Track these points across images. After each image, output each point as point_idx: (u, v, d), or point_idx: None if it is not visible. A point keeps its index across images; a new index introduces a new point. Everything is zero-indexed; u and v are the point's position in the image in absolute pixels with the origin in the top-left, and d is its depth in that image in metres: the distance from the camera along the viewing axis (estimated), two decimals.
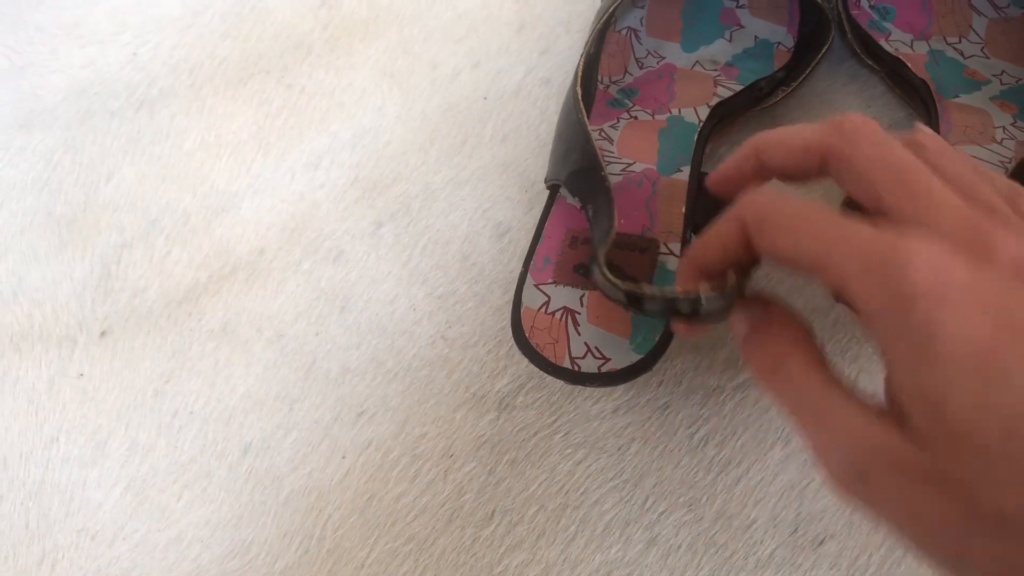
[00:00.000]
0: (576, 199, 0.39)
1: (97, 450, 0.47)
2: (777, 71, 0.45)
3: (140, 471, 0.47)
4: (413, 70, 0.52)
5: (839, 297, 0.27)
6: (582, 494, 0.43)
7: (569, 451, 0.44)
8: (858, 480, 0.24)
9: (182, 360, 0.48)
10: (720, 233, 0.29)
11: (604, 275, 0.32)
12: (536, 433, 0.45)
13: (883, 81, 0.47)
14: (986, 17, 0.45)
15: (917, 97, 0.44)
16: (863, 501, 0.25)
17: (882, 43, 0.45)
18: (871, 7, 0.47)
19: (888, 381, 0.25)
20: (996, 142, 0.42)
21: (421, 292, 0.48)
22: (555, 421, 0.45)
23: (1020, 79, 0.43)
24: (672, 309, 0.30)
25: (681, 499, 0.43)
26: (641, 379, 0.44)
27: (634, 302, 0.32)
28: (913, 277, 0.22)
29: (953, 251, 0.23)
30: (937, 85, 0.44)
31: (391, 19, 0.54)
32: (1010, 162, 0.40)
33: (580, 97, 0.40)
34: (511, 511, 0.44)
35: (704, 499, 0.43)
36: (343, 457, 0.46)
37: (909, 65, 0.44)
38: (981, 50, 0.45)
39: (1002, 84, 0.43)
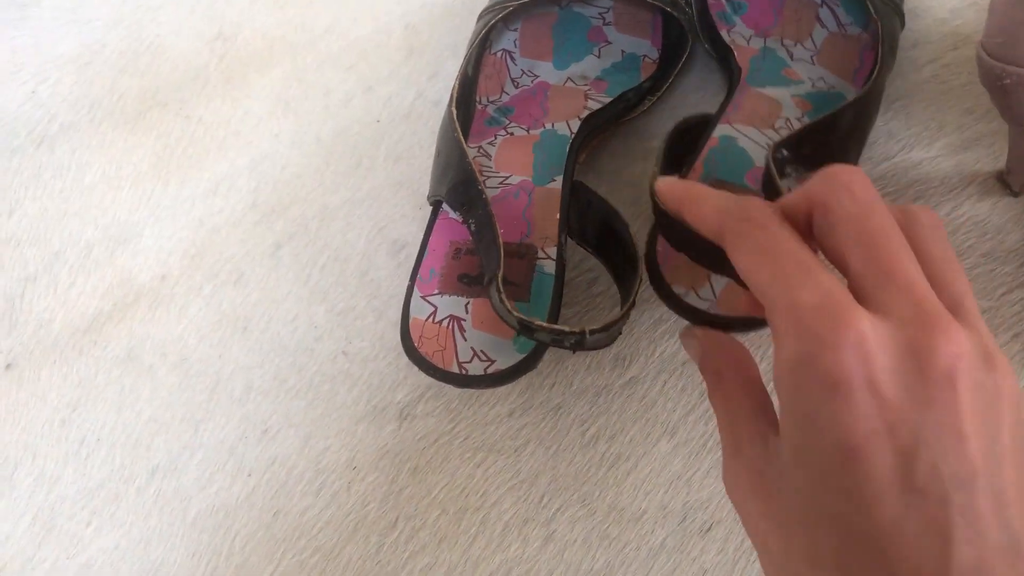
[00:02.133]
0: (458, 213, 0.41)
1: (3, 482, 0.48)
2: (644, 82, 0.48)
3: (48, 500, 0.47)
4: (307, 97, 0.54)
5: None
6: (481, 496, 0.45)
7: (468, 455, 0.46)
8: (735, 493, 0.28)
9: (88, 388, 0.49)
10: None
11: (502, 302, 0.35)
12: (436, 440, 0.46)
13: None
14: (827, 30, 0.48)
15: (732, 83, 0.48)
16: (735, 505, 0.28)
17: (722, 32, 0.49)
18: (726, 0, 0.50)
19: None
20: (773, 129, 0.45)
21: (321, 310, 0.49)
22: (454, 427, 0.46)
23: (832, 87, 0.47)
24: (558, 341, 0.33)
25: (575, 495, 0.45)
26: (535, 382, 0.46)
27: (525, 330, 0.35)
28: (835, 365, 0.23)
29: (888, 350, 0.23)
30: (750, 74, 0.47)
31: (285, 49, 0.55)
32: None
33: (455, 117, 0.42)
34: (414, 517, 0.45)
35: (597, 494, 0.44)
36: (248, 475, 0.47)
37: (736, 54, 0.48)
38: (811, 57, 0.48)
39: (812, 87, 0.47)
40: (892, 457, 0.23)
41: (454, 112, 0.42)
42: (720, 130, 0.45)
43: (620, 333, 0.36)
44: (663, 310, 0.46)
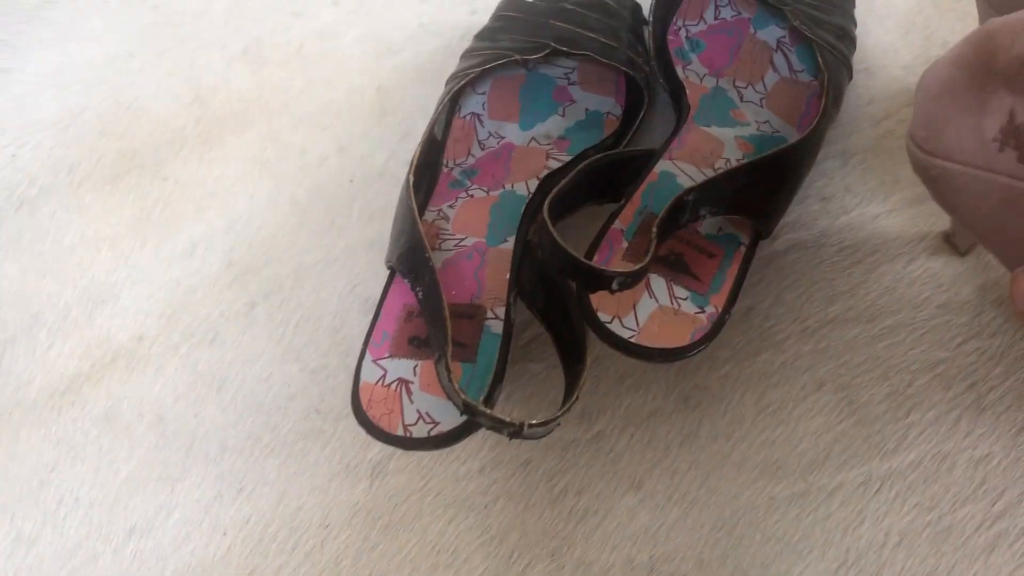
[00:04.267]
0: (407, 280, 0.42)
1: None
2: (606, 138, 0.49)
3: (26, 561, 0.48)
4: (282, 158, 0.55)
5: None
6: (452, 553, 0.46)
7: (439, 512, 0.46)
8: None
9: (66, 449, 0.50)
10: None
11: (449, 381, 0.37)
12: (408, 497, 0.47)
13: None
14: (779, 75, 0.50)
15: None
16: None
17: (678, 68, 0.51)
18: (686, 37, 0.51)
19: None
20: (712, 168, 0.47)
21: (294, 368, 0.50)
22: (425, 484, 0.47)
23: (776, 131, 0.48)
24: (496, 429, 0.36)
25: (544, 550, 0.45)
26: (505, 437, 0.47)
27: (468, 412, 0.37)
28: None
29: None
30: (699, 112, 0.49)
31: (260, 111, 0.57)
32: None
33: (411, 184, 0.43)
34: (386, 575, 0.46)
35: (565, 549, 0.45)
36: (224, 534, 0.47)
37: (687, 91, 0.49)
38: (760, 100, 0.50)
39: (757, 130, 0.48)
40: None
41: (411, 179, 0.43)
42: (661, 165, 0.47)
43: (560, 424, 0.38)
44: (628, 363, 0.47)
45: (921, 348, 0.46)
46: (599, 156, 0.44)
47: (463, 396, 0.36)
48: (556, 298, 0.43)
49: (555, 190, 0.40)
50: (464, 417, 0.38)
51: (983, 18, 0.44)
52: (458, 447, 0.47)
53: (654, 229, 0.39)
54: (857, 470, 0.44)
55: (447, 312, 0.39)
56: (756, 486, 0.45)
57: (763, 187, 0.43)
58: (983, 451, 0.44)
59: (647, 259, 0.37)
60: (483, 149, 0.50)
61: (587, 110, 0.51)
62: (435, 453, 0.47)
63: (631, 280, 0.36)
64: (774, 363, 0.47)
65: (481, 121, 0.51)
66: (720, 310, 0.42)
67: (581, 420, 0.47)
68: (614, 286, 0.36)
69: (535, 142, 0.50)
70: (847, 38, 0.50)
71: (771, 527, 0.44)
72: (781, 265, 0.48)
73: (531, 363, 0.48)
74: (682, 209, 0.40)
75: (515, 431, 0.36)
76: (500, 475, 0.47)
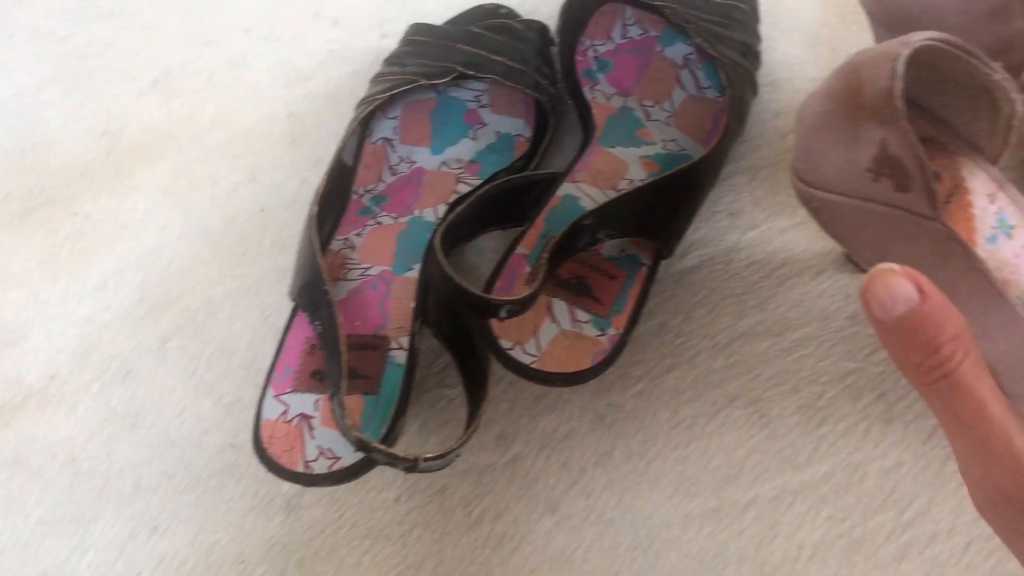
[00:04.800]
0: (306, 313, 0.42)
1: None
2: (516, 160, 0.49)
3: None
4: (194, 188, 0.55)
5: None
6: None
7: (355, 543, 0.46)
8: (1004, 508, 0.25)
9: None
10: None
11: (343, 419, 0.37)
12: (323, 530, 0.46)
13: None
14: (686, 92, 0.50)
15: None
16: (999, 528, 0.26)
17: (584, 89, 0.51)
18: (594, 57, 0.51)
19: None
20: (616, 190, 0.47)
21: (208, 402, 0.49)
22: (341, 516, 0.47)
23: (683, 149, 0.48)
24: (391, 464, 0.36)
25: None
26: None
27: (362, 449, 0.37)
28: None
29: None
30: (604, 133, 0.49)
31: (171, 142, 0.56)
32: None
33: (314, 215, 0.43)
34: None
35: (483, 575, 0.45)
36: (139, 574, 0.47)
37: (594, 112, 0.49)
38: (667, 118, 0.50)
39: (663, 149, 0.48)
40: None
41: (314, 210, 0.43)
42: (564, 188, 0.47)
43: (459, 455, 0.38)
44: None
45: (831, 360, 0.46)
46: (499, 182, 0.44)
47: (356, 433, 0.36)
48: (461, 326, 0.43)
49: (450, 218, 0.40)
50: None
51: (875, 34, 0.45)
52: (373, 476, 0.47)
53: (545, 255, 0.39)
54: (770, 484, 0.44)
55: (344, 347, 0.39)
56: (671, 503, 0.45)
57: (662, 208, 0.43)
58: (893, 460, 0.44)
59: (535, 286, 0.37)
60: (394, 174, 0.50)
61: (498, 133, 0.51)
62: (350, 484, 0.47)
63: (518, 308, 0.36)
64: (686, 379, 0.47)
65: (392, 146, 0.51)
66: (621, 332, 0.42)
67: (497, 444, 0.47)
68: (502, 314, 0.36)
69: (446, 166, 0.50)
70: (751, 54, 0.50)
71: (686, 544, 0.44)
72: (691, 281, 0.48)
73: (446, 389, 0.48)
74: (579, 234, 0.40)
75: (410, 466, 0.35)
76: (416, 504, 0.46)
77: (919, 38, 0.33)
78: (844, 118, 0.34)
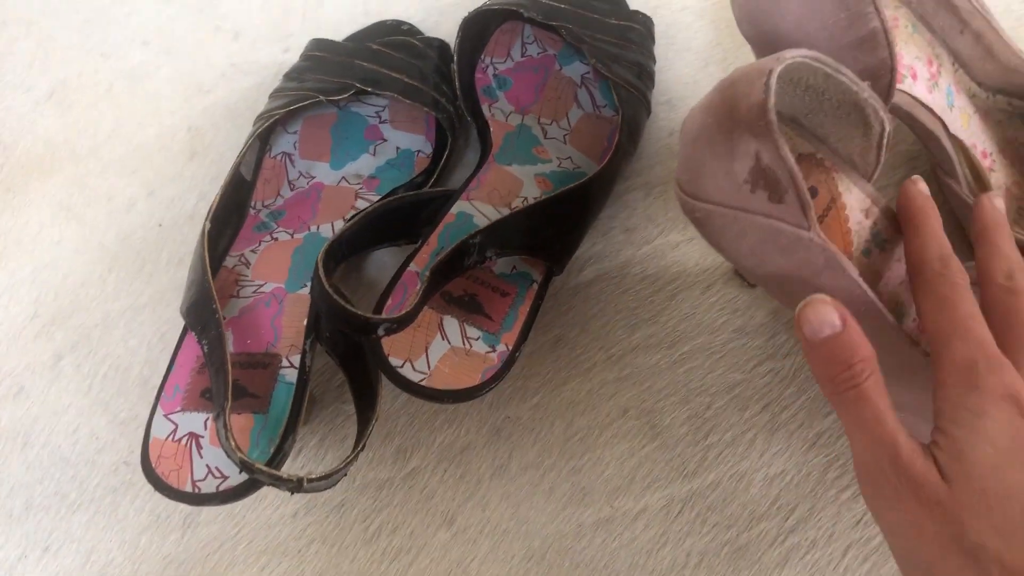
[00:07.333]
0: (194, 332, 0.42)
1: None
2: (416, 176, 0.50)
3: None
4: (90, 203, 0.54)
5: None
6: None
7: (252, 559, 0.46)
8: (878, 486, 0.31)
9: None
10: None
11: (227, 440, 0.37)
12: (220, 547, 0.46)
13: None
14: (583, 111, 0.51)
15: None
16: (872, 503, 0.32)
17: (484, 107, 0.52)
18: (494, 75, 0.52)
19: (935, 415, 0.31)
20: (509, 208, 0.48)
21: (103, 420, 0.49)
22: (238, 532, 0.46)
23: (578, 167, 0.50)
24: (275, 485, 0.36)
25: None
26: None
27: (246, 470, 0.37)
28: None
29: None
30: (500, 151, 0.50)
31: (67, 155, 0.55)
32: None
33: (207, 232, 0.42)
34: None
35: None
36: None
37: (492, 130, 0.51)
38: (564, 136, 0.51)
39: (558, 167, 0.50)
40: None
41: (206, 227, 0.43)
42: (459, 206, 0.47)
43: (346, 475, 0.38)
44: None
45: (719, 371, 0.48)
46: (391, 199, 0.44)
47: (240, 454, 0.36)
48: (354, 344, 0.43)
49: (336, 236, 0.40)
50: None
51: (756, 56, 0.47)
52: (270, 492, 0.47)
53: (426, 273, 0.39)
54: (660, 493, 0.46)
55: (229, 367, 0.39)
56: (565, 514, 0.46)
57: (551, 228, 0.44)
58: (777, 469, 0.46)
59: (414, 304, 0.38)
60: (292, 189, 0.50)
61: (398, 148, 0.51)
62: (247, 500, 0.47)
63: (395, 326, 0.37)
64: (581, 391, 0.48)
65: (292, 161, 0.51)
66: (511, 348, 0.43)
67: (396, 458, 0.47)
68: (380, 332, 0.37)
69: (345, 181, 0.50)
70: (645, 74, 0.52)
71: (579, 553, 0.45)
72: (587, 295, 0.49)
73: (345, 404, 0.48)
74: (467, 252, 0.41)
75: (294, 487, 0.36)
76: (314, 519, 0.47)
77: (792, 55, 0.35)
78: (722, 131, 0.36)
